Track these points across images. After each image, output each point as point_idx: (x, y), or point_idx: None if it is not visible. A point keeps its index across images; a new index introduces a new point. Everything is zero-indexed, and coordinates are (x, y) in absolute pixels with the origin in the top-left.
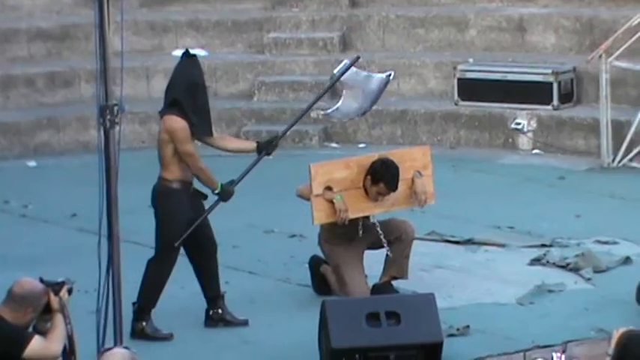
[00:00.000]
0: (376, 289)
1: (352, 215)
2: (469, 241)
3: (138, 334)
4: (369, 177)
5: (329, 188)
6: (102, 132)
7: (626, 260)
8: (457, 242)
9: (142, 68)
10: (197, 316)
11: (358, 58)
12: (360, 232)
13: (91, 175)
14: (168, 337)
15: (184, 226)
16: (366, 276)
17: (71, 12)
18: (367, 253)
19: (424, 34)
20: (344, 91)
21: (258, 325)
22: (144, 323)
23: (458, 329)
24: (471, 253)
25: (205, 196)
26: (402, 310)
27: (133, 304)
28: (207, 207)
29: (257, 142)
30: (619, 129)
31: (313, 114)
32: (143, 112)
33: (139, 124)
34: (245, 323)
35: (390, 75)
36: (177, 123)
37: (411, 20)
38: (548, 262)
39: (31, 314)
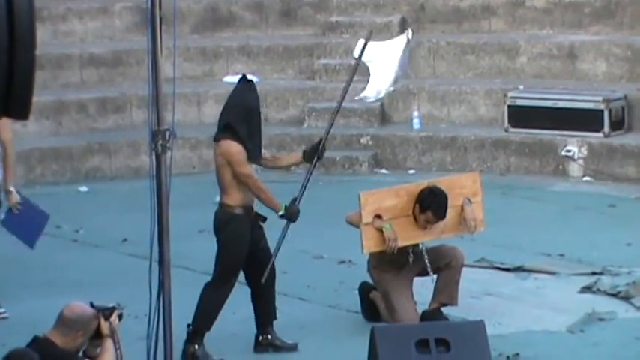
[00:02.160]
0: (426, 316)
1: (401, 243)
2: (519, 269)
3: (189, 357)
4: (417, 205)
5: (378, 216)
6: (154, 157)
7: None
8: (507, 269)
9: (193, 94)
10: (248, 341)
11: (372, 32)
12: (411, 260)
13: (141, 201)
14: None
15: (246, 251)
16: (415, 302)
17: (123, 38)
18: (416, 279)
19: (474, 60)
20: (370, 69)
21: (307, 351)
22: (196, 346)
23: (508, 357)
24: (521, 280)
25: (265, 219)
26: (451, 337)
27: (188, 325)
28: (265, 230)
29: (303, 151)
30: None
31: (361, 129)
32: (194, 137)
33: (190, 149)
34: (294, 348)
35: (408, 32)
36: (233, 147)
37: (462, 47)
38: (598, 289)
39: (81, 338)
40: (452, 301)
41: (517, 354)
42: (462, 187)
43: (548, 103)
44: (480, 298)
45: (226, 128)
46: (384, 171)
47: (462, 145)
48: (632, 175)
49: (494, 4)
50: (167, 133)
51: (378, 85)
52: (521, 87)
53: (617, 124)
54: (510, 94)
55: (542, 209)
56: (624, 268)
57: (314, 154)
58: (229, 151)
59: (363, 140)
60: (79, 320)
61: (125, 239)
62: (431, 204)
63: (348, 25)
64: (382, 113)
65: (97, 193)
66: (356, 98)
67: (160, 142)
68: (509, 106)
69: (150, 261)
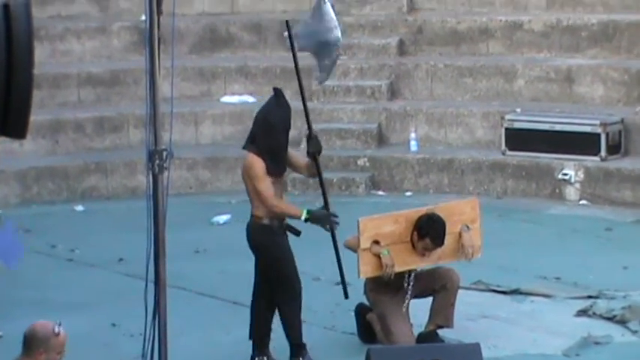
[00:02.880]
0: (422, 338)
1: (398, 269)
2: (515, 291)
3: None
4: (415, 232)
5: (376, 242)
6: (150, 177)
7: None
8: (503, 292)
9: (190, 114)
10: None
11: (288, 22)
12: (407, 286)
13: (137, 221)
14: None
15: (289, 254)
16: (411, 325)
17: (121, 57)
18: (412, 301)
19: (472, 83)
20: (311, 51)
21: None
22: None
23: None
24: (517, 303)
25: (299, 232)
26: None
27: (296, 344)
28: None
29: (307, 152)
30: None
31: (358, 151)
32: (191, 157)
33: (187, 169)
34: None
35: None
36: (254, 160)
37: (459, 69)
38: (594, 313)
39: (43, 356)
40: (447, 323)
41: None
42: (460, 213)
43: (546, 127)
44: (476, 320)
45: (251, 140)
46: (380, 192)
47: (459, 168)
48: (629, 199)
49: (492, 27)
50: (164, 153)
51: (325, 62)
52: (518, 110)
53: (614, 148)
54: (508, 116)
55: (539, 232)
56: (620, 292)
57: (311, 151)
58: (249, 162)
59: (360, 162)
60: (38, 338)
61: (121, 259)
62: (429, 231)
63: (346, 47)
64: (379, 135)
65: (93, 212)
66: (315, 83)
67: (157, 161)
68: (506, 129)
69: (146, 281)
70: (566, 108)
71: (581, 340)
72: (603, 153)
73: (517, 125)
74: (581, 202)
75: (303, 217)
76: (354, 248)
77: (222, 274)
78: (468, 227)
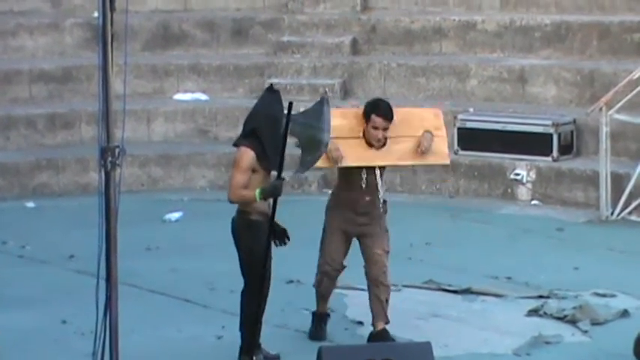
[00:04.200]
0: (373, 337)
1: (351, 163)
2: (466, 291)
3: None
4: (364, 120)
5: None
6: (103, 174)
7: (624, 313)
8: (454, 291)
9: (142, 111)
10: (191, 359)
11: (291, 103)
12: (363, 185)
13: (89, 217)
14: None
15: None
16: (345, 254)
17: (73, 54)
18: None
19: (425, 82)
20: (301, 141)
21: None
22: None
23: None
24: (468, 302)
25: (285, 231)
26: (398, 359)
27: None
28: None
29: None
30: (618, 182)
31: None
32: (143, 154)
33: (139, 166)
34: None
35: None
36: (246, 152)
37: (412, 69)
38: (545, 313)
39: None
40: (386, 320)
41: None
42: (422, 119)
43: (498, 127)
44: (427, 319)
45: (250, 134)
46: None
47: (411, 167)
48: (580, 200)
49: (445, 27)
50: (116, 150)
51: (307, 158)
52: (471, 110)
53: (566, 149)
54: (460, 116)
55: (491, 232)
56: (571, 291)
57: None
58: (239, 155)
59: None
60: None
61: (72, 256)
62: (374, 107)
63: (300, 45)
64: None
65: (44, 209)
66: (290, 177)
67: (110, 158)
68: (458, 129)
69: (97, 278)
70: (518, 108)
71: (532, 340)
72: (555, 153)
73: (469, 125)
74: (532, 202)
75: (258, 198)
76: None
77: (174, 272)
78: (431, 133)
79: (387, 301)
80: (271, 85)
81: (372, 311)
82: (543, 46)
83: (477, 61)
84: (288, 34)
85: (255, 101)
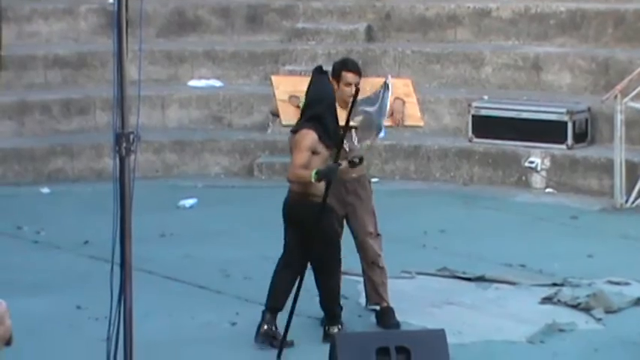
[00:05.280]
0: (382, 315)
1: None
2: (480, 279)
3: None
4: (334, 81)
5: (295, 97)
6: (117, 160)
7: (638, 301)
8: (468, 279)
9: (157, 97)
10: (206, 346)
11: (357, 90)
12: (347, 150)
13: (104, 203)
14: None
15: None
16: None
17: (88, 40)
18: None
19: (439, 70)
20: (356, 125)
21: (268, 357)
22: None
23: None
24: (482, 290)
25: (332, 210)
26: (412, 346)
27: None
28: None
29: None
30: (633, 170)
31: None
32: (157, 141)
33: (153, 153)
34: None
35: (387, 78)
36: (307, 133)
37: (427, 56)
38: (559, 301)
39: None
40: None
41: None
42: (394, 87)
43: (513, 114)
44: (441, 307)
45: (310, 119)
46: None
47: (426, 154)
48: (595, 187)
49: (460, 14)
50: (131, 136)
51: (361, 140)
52: (485, 97)
53: (581, 136)
54: (475, 104)
55: (505, 220)
56: (585, 279)
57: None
58: (300, 135)
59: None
60: None
61: (87, 241)
62: (343, 64)
63: (314, 32)
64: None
65: (58, 194)
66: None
67: (124, 144)
68: (473, 116)
69: (111, 264)
70: (533, 96)
71: (546, 327)
72: (570, 141)
73: (484, 112)
74: (547, 190)
75: (313, 178)
76: (276, 112)
77: (188, 258)
78: (402, 101)
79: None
80: (320, 66)
81: (374, 292)
82: (558, 33)
83: (491, 49)
84: (303, 21)
85: (271, 88)
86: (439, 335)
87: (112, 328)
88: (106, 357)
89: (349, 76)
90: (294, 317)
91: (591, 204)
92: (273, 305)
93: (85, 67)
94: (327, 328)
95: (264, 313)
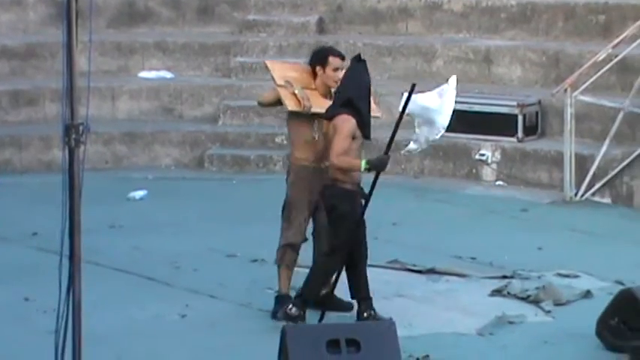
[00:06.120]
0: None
1: (314, 108)
2: (431, 271)
3: (288, 317)
4: (318, 67)
5: (289, 84)
6: (66, 151)
7: (587, 294)
8: (419, 271)
9: (107, 89)
10: (155, 338)
11: (414, 85)
12: (316, 136)
13: (52, 195)
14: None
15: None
16: (307, 215)
17: (37, 30)
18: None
19: (391, 63)
20: (415, 121)
21: (218, 349)
22: (295, 309)
23: (417, 359)
24: (433, 282)
25: (367, 196)
26: (362, 338)
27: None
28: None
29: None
30: (582, 163)
31: (275, 128)
32: (107, 132)
33: (103, 144)
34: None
35: (453, 79)
36: (347, 119)
37: (378, 49)
38: (508, 293)
39: None
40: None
41: (427, 356)
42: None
43: (464, 107)
44: (392, 299)
45: (347, 104)
46: None
47: (377, 147)
48: (545, 180)
49: (411, 7)
50: (81, 127)
51: (422, 137)
52: None
53: (531, 130)
54: None
55: (455, 212)
56: (535, 272)
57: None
58: (341, 120)
59: (278, 139)
60: None
61: (35, 233)
62: (328, 50)
63: (265, 24)
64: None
65: (6, 186)
66: (402, 152)
67: (74, 136)
68: None
69: (60, 255)
70: (484, 89)
71: (495, 320)
72: (520, 134)
73: None
74: (497, 182)
75: (363, 168)
76: (267, 99)
77: (138, 250)
78: None
79: None
80: (359, 54)
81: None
82: (509, 27)
83: (442, 42)
84: (254, 13)
85: (222, 80)
86: (389, 327)
87: (60, 320)
88: (54, 349)
89: (337, 61)
90: (245, 309)
91: (541, 197)
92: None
93: (34, 58)
94: (289, 306)
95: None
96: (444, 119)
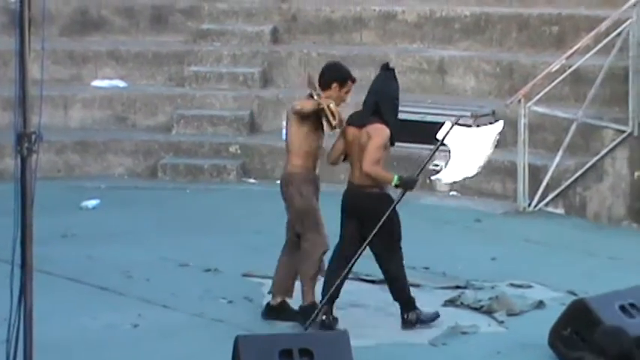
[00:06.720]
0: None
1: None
2: (384, 281)
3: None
4: (335, 84)
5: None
6: (19, 160)
7: (540, 304)
8: (372, 281)
9: (60, 97)
10: (107, 347)
11: (459, 118)
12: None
13: (4, 204)
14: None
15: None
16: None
17: None
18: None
19: None
20: (452, 152)
21: (170, 358)
22: (414, 313)
23: None
24: (386, 292)
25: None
26: (315, 348)
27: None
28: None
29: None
30: (536, 173)
31: (229, 137)
32: (60, 141)
33: (56, 153)
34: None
35: (495, 122)
36: (384, 129)
37: (333, 58)
38: (462, 303)
39: None
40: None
41: None
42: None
43: (417, 117)
44: (346, 309)
45: (376, 112)
46: (252, 180)
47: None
48: (498, 191)
49: (365, 17)
50: (33, 136)
51: (455, 170)
52: None
53: None
54: None
55: (409, 222)
56: (488, 282)
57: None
58: (377, 131)
59: (232, 149)
60: None
61: None
62: (348, 73)
63: (220, 33)
64: (251, 122)
65: None
66: (432, 178)
67: (26, 144)
68: None
69: (12, 265)
70: (438, 99)
71: (448, 330)
72: None
73: None
74: (451, 193)
75: (393, 183)
76: (307, 109)
77: (90, 260)
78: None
79: None
80: (387, 63)
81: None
82: (463, 37)
83: (396, 52)
84: (208, 22)
85: (176, 89)
86: (342, 337)
87: (11, 329)
88: (5, 359)
89: (351, 87)
90: (198, 318)
91: (495, 207)
92: (332, 295)
93: None
94: (405, 315)
95: (322, 304)
96: (481, 159)
